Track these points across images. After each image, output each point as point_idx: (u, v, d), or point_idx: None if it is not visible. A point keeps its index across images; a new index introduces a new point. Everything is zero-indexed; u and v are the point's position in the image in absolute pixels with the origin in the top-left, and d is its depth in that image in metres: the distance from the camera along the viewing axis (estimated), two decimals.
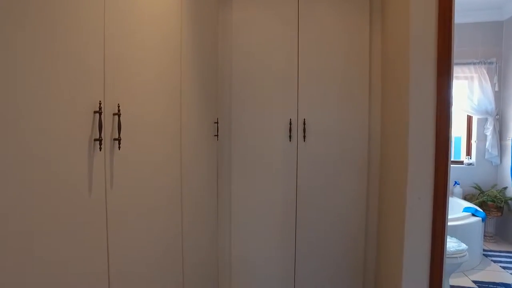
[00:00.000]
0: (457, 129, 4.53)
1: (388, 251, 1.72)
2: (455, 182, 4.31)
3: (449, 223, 3.26)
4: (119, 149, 1.01)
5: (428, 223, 1.39)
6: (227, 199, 2.08)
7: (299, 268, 2.01)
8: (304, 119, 1.93)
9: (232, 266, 2.07)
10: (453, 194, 4.30)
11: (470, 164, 4.34)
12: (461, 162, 4.39)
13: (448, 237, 2.78)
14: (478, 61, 4.06)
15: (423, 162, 1.38)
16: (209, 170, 1.91)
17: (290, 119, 1.95)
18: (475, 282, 2.97)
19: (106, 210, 0.96)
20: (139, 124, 1.15)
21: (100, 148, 0.93)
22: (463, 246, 2.58)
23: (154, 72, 1.26)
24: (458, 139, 4.57)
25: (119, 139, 1.00)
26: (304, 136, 1.94)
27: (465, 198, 4.26)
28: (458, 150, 4.59)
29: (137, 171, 1.14)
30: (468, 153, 4.41)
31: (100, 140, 0.92)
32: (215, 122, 2.00)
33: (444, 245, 1.41)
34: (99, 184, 0.93)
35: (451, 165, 4.49)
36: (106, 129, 0.95)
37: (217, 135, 2.02)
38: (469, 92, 4.18)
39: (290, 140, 1.95)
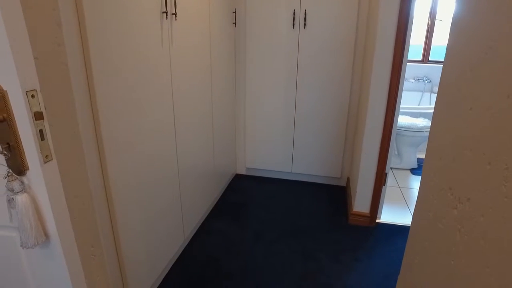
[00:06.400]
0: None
1: (362, 106, 2.35)
2: None
3: (426, 111, 3.89)
4: (175, 20, 1.57)
5: (387, 83, 1.97)
6: (242, 73, 2.68)
7: (298, 116, 2.71)
8: (305, 10, 2.38)
9: (246, 117, 2.80)
10: None
11: None
12: None
13: (421, 118, 3.42)
14: None
15: (386, 41, 1.90)
16: (229, 49, 2.47)
17: (294, 10, 2.40)
18: None
19: (169, 56, 1.57)
20: (186, 5, 1.67)
21: (166, 17, 1.49)
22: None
23: None
24: None
25: (175, 13, 1.55)
26: (305, 24, 2.41)
27: None
28: None
29: (186, 36, 1.71)
30: None
31: (166, 12, 1.47)
32: (233, 12, 2.47)
33: (397, 97, 2.01)
34: (166, 41, 1.52)
35: (439, 65, 4.86)
36: (168, 6, 1.49)
37: (235, 23, 2.51)
38: None
39: (293, 27, 2.44)
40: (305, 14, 2.39)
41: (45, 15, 0.86)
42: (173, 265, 1.84)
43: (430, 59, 4.79)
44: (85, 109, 1.08)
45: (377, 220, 2.36)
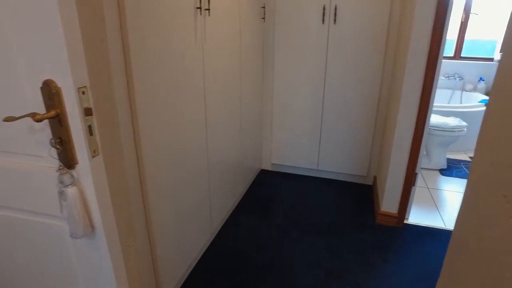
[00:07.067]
0: (495, 32, 4.54)
1: (393, 103, 2.30)
2: (480, 78, 4.57)
3: (461, 110, 3.76)
4: (209, 16, 1.57)
5: (421, 79, 1.91)
6: (270, 69, 2.67)
7: (326, 113, 2.68)
8: (336, 5, 2.33)
9: (273, 113, 2.80)
10: (476, 90, 4.61)
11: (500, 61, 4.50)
12: (491, 59, 4.54)
13: (453, 117, 3.30)
14: None
15: (422, 36, 1.83)
16: (258, 44, 2.46)
17: (324, 5, 2.36)
18: (471, 157, 3.57)
19: (202, 52, 1.57)
20: (218, 0, 1.67)
21: (200, 13, 1.49)
22: (463, 123, 3.10)
23: None
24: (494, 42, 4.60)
25: (209, 9, 1.56)
26: (335, 20, 2.37)
27: (487, 93, 4.56)
28: (492, 49, 4.67)
29: (218, 31, 1.72)
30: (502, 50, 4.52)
31: (200, 8, 1.48)
32: (262, 7, 2.45)
33: (431, 95, 1.94)
34: (199, 37, 1.52)
35: (478, 62, 4.63)
36: (202, 1, 1.50)
37: (264, 18, 2.50)
38: None
39: (323, 23, 2.40)
40: (336, 9, 2.34)
41: (93, 10, 0.87)
42: (201, 257, 1.87)
43: (461, 55, 4.60)
44: (124, 105, 1.10)
45: (405, 221, 2.31)
